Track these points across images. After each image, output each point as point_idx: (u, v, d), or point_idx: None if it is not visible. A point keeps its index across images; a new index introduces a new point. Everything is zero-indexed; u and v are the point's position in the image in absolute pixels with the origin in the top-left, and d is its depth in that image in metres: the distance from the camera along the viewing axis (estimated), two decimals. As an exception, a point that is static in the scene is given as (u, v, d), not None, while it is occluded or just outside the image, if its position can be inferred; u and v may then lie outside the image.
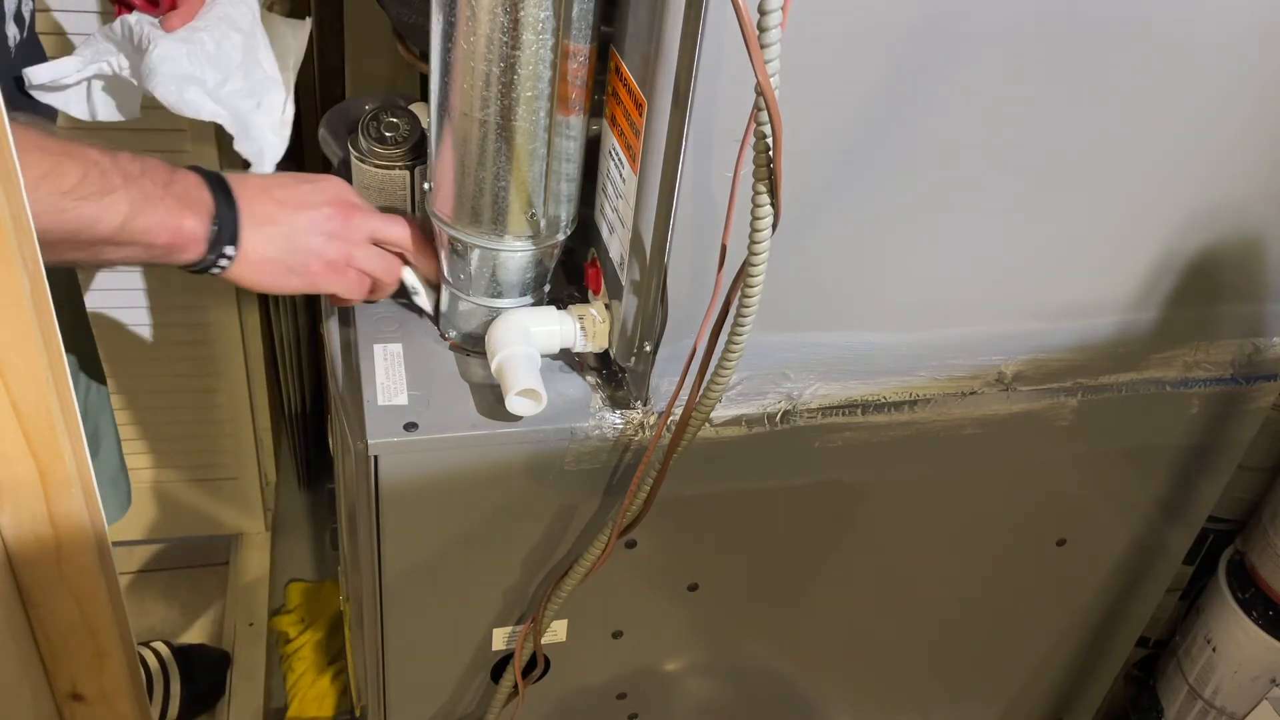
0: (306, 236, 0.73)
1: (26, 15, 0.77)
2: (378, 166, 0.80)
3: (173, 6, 0.78)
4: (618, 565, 0.82)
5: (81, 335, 0.99)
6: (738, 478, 0.82)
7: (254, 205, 0.70)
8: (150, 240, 0.66)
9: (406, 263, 0.79)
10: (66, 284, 0.98)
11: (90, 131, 0.97)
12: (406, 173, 0.80)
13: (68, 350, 0.95)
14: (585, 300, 0.78)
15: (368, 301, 0.81)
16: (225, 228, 0.69)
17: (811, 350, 0.77)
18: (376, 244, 0.77)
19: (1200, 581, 1.18)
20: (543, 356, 0.75)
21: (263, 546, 1.61)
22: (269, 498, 1.62)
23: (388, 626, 0.83)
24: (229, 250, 0.70)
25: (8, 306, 0.43)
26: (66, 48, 1.12)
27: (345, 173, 0.86)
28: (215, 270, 0.70)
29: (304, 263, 0.73)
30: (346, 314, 0.83)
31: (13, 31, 0.74)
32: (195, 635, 1.53)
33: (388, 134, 0.80)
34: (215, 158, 1.22)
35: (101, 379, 1.02)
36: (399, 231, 0.78)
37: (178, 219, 0.66)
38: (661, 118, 0.62)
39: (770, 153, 0.56)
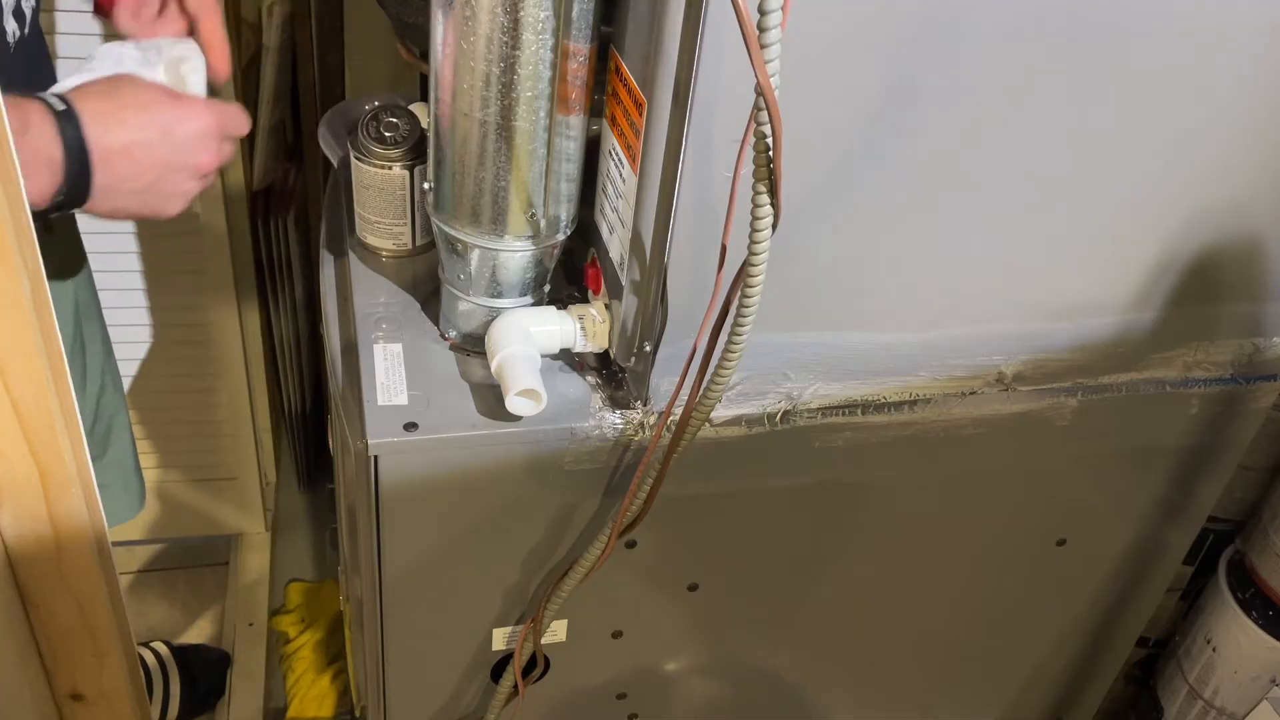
0: (170, 188, 0.70)
1: (28, 11, 0.76)
2: (377, 166, 0.80)
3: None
4: (618, 565, 0.82)
5: (100, 338, 0.99)
6: (738, 478, 0.82)
7: (112, 164, 0.66)
8: None
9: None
10: (88, 285, 0.98)
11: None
12: (406, 172, 0.81)
13: (88, 352, 0.95)
14: (585, 300, 0.78)
15: None
16: (74, 193, 0.64)
17: (811, 350, 0.77)
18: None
19: (1200, 581, 1.17)
20: (543, 356, 0.75)
21: (263, 547, 1.61)
22: (269, 498, 1.62)
23: (388, 626, 0.83)
24: (74, 209, 0.66)
25: (8, 306, 0.43)
26: (67, 46, 1.13)
27: (345, 172, 0.86)
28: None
29: (163, 207, 0.71)
30: (347, 314, 0.83)
31: (12, 27, 0.73)
32: (195, 635, 1.53)
33: (387, 134, 0.80)
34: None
35: (118, 381, 1.02)
36: (236, 120, 0.74)
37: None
38: (661, 118, 0.62)
39: (770, 153, 0.56)
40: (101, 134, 0.65)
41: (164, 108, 0.69)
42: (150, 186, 0.68)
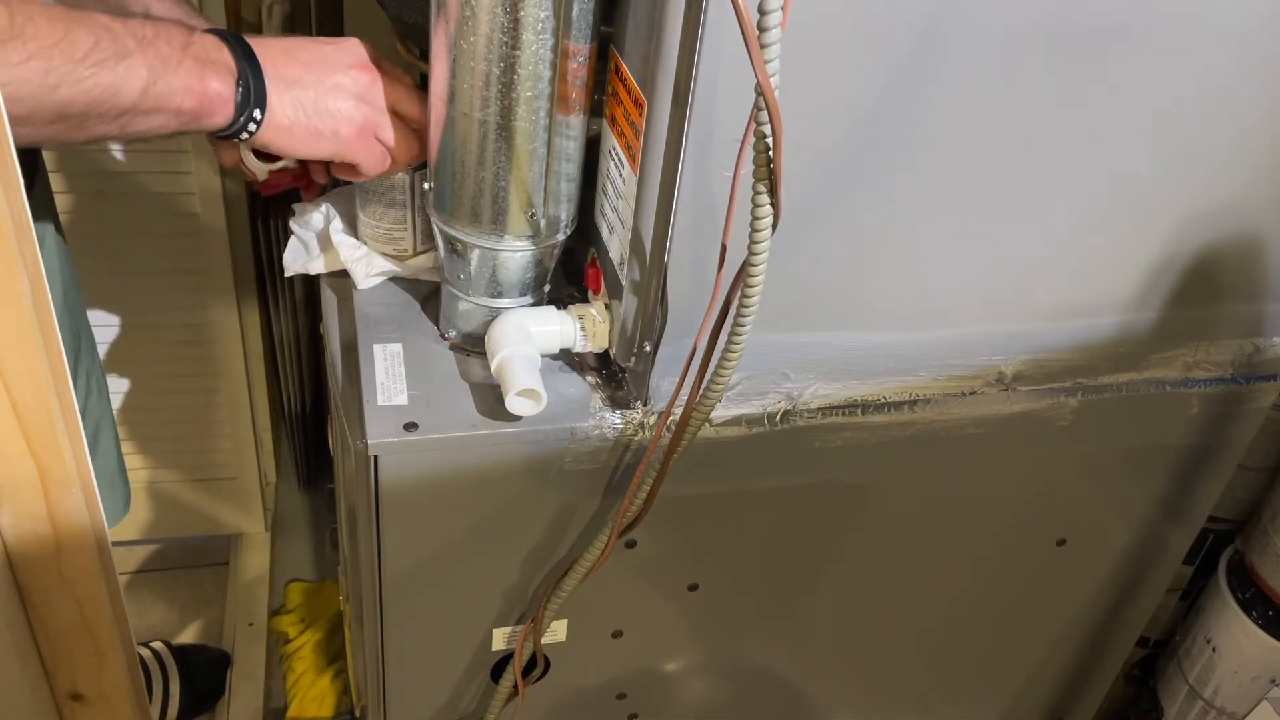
0: (335, 98, 0.72)
1: None
2: None
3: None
4: (618, 565, 0.82)
5: (83, 337, 0.99)
6: (738, 478, 0.82)
7: (278, 66, 0.69)
8: (177, 105, 0.65)
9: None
10: (65, 285, 0.98)
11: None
12: (406, 176, 0.80)
13: (69, 351, 0.95)
14: (585, 300, 0.78)
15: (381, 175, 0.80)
16: (252, 90, 0.68)
17: (811, 350, 0.77)
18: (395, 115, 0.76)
19: (1200, 581, 1.18)
20: (543, 356, 0.75)
21: (263, 546, 1.61)
22: (269, 498, 1.62)
23: (388, 626, 0.83)
24: (257, 114, 0.69)
25: (8, 306, 0.43)
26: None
27: None
28: (244, 135, 0.70)
29: (333, 127, 0.72)
30: (347, 314, 0.83)
31: None
32: (195, 635, 1.53)
33: None
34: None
35: (103, 384, 1.02)
36: (416, 109, 0.76)
37: (201, 81, 0.65)
38: (661, 118, 0.62)
39: (770, 153, 0.56)
40: (258, 42, 0.69)
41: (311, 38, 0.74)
42: (317, 98, 0.70)
